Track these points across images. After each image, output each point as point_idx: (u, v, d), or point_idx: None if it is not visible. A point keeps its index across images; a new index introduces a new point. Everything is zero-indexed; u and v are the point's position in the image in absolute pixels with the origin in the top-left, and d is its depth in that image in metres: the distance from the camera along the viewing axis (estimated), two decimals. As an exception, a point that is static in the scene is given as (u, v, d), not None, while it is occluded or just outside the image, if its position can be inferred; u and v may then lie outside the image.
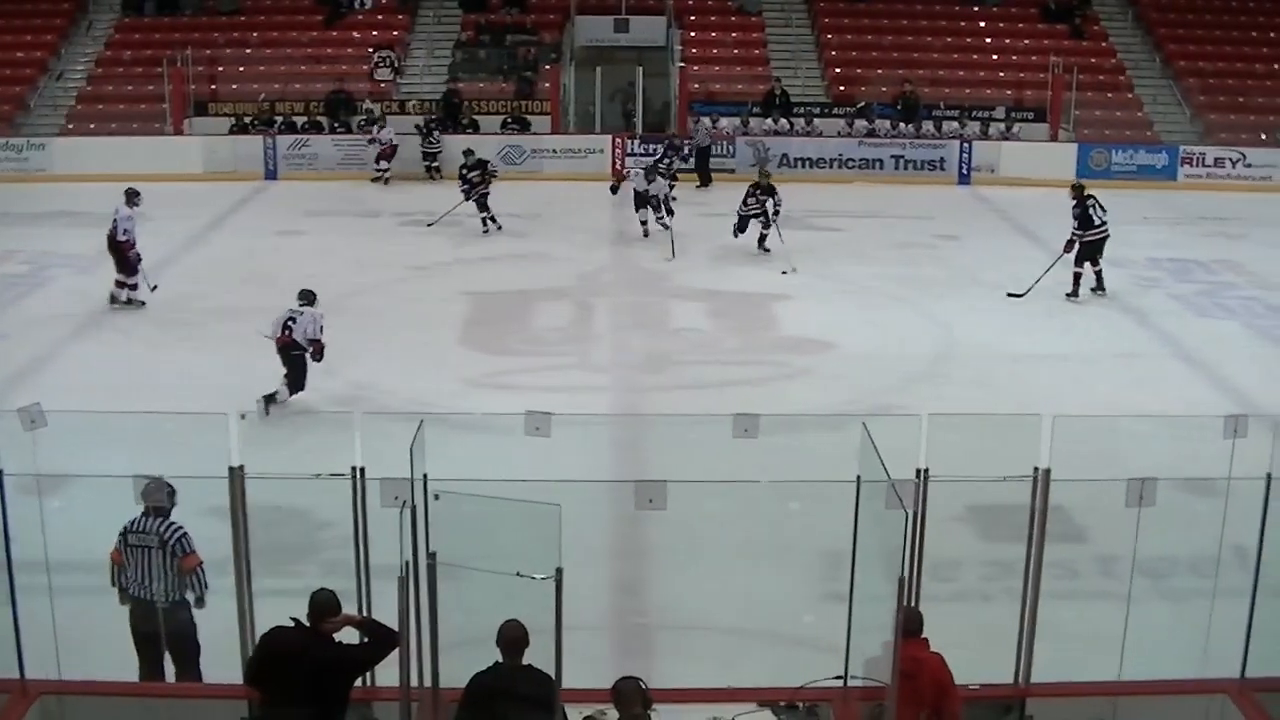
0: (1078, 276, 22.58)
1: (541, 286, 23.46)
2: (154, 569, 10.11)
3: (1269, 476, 9.12)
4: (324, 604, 8.48)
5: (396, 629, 8.07)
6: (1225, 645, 9.84)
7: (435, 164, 33.38)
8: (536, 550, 7.06)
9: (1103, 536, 12.70)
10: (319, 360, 16.80)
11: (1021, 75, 36.78)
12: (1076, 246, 22.36)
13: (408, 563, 7.82)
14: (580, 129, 35.89)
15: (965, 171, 34.04)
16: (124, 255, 21.43)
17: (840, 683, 9.09)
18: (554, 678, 7.55)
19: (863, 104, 35.45)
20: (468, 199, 27.21)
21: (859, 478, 8.67)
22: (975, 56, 37.95)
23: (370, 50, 37.05)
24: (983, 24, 38.84)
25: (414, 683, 8.16)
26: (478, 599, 7.92)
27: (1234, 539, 10.14)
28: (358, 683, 8.70)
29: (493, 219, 27.45)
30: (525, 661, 8.05)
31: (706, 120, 34.30)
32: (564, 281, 23.69)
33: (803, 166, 34.05)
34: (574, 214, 29.42)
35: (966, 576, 12.50)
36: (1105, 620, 10.34)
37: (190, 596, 10.24)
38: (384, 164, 32.99)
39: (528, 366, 19.21)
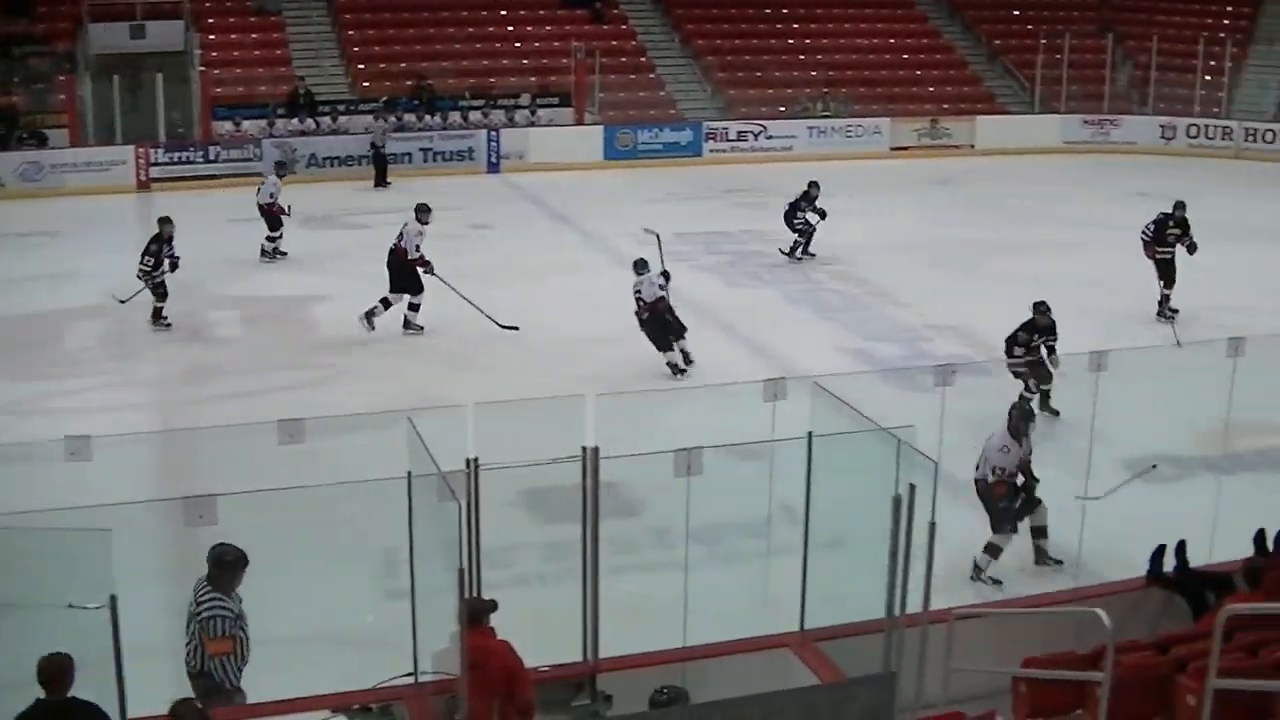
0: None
1: (73, 305, 22.33)
2: (187, 632, 9.29)
3: (810, 435, 9.37)
4: None
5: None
6: (783, 601, 10.08)
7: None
8: (89, 579, 6.66)
9: (656, 508, 12.79)
10: None
11: (545, 61, 37.20)
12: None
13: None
14: (101, 140, 34.39)
15: (495, 160, 34.22)
16: (412, 273, 20.53)
17: (411, 679, 8.92)
18: (117, 707, 7.13)
19: (386, 99, 35.16)
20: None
21: (409, 473, 8.49)
22: (498, 45, 38.16)
23: None
24: (504, 12, 39.07)
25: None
26: (30, 636, 7.42)
27: (782, 498, 10.41)
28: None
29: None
30: (74, 694, 7.56)
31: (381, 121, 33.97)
32: (96, 299, 22.60)
33: (331, 165, 33.55)
34: (101, 228, 28.15)
35: (526, 560, 12.46)
36: (666, 589, 10.44)
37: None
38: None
39: (64, 390, 18.26)
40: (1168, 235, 21.61)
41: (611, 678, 9.46)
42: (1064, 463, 13.52)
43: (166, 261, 20.88)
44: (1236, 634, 9.20)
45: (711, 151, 35.37)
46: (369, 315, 20.21)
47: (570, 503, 9.23)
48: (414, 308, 20.61)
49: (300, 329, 21.18)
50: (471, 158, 34.32)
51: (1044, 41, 39.19)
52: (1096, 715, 8.79)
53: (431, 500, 8.01)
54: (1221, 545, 11.87)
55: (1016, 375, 16.46)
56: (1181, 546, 11.59)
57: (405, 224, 20.89)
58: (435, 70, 36.08)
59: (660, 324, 18.49)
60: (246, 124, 33.97)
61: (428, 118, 34.72)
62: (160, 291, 21.03)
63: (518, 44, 38.34)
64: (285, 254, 25.05)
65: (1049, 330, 16.79)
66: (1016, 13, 42.32)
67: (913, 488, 8.72)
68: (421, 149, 34.15)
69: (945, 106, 38.23)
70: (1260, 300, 22.07)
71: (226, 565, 9.13)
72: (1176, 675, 8.92)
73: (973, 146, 37.40)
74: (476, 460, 8.72)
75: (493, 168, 33.95)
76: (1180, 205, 21.84)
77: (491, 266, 23.45)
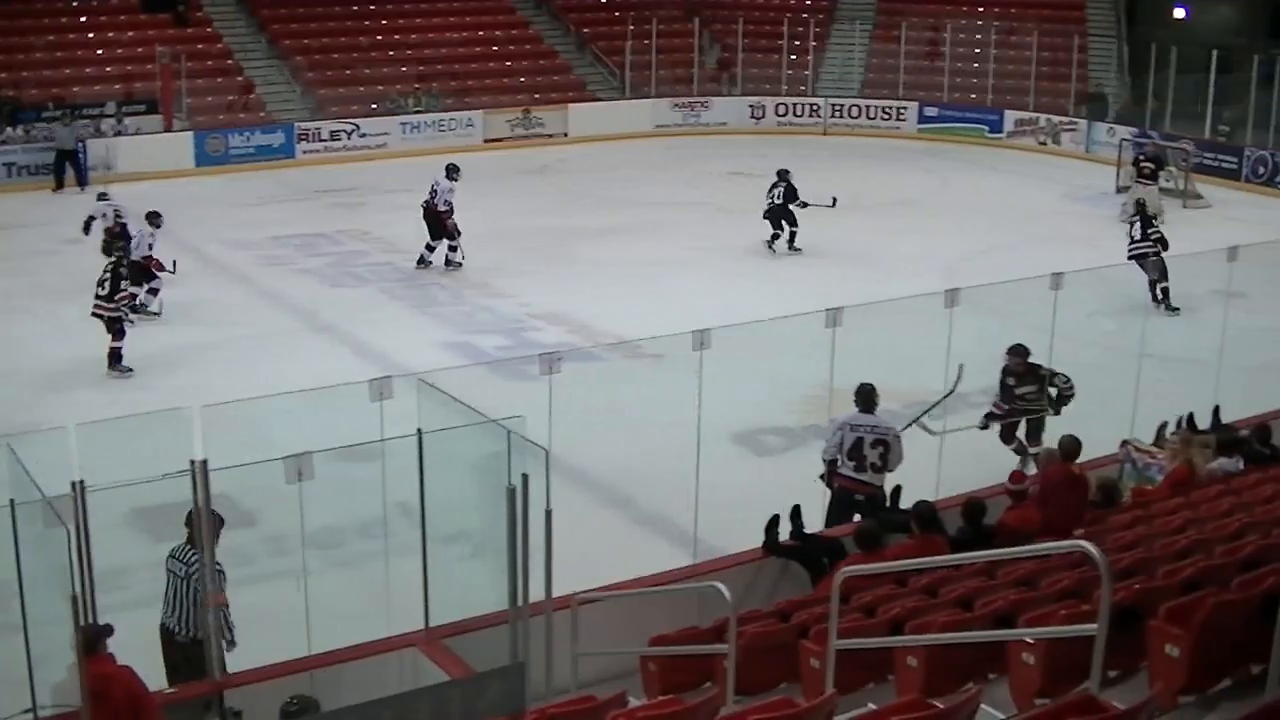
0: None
1: None
2: (176, 599, 9.96)
3: (419, 432, 9.43)
4: None
5: None
6: (407, 600, 10.12)
7: None
8: None
9: (271, 517, 12.69)
10: None
11: (129, 68, 36.00)
12: None
13: None
14: None
15: (83, 172, 32.93)
16: (443, 223, 23.84)
17: (30, 716, 8.63)
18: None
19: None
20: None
21: (12, 501, 8.22)
22: (80, 53, 36.74)
23: None
24: (83, 19, 37.61)
25: None
26: None
27: (397, 497, 10.44)
28: None
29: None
30: None
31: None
32: None
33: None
34: None
35: (142, 581, 12.13)
36: (288, 598, 10.38)
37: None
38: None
39: None
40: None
41: (239, 692, 9.36)
42: (669, 433, 13.83)
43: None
44: (853, 596, 9.64)
45: (305, 153, 34.91)
46: (420, 261, 24.21)
47: (182, 518, 9.11)
48: (453, 249, 24.16)
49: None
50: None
51: (632, 28, 40.00)
52: (725, 686, 9.10)
53: (39, 527, 7.79)
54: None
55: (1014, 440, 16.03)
56: (796, 512, 12.06)
57: (436, 181, 24.13)
58: (13, 82, 34.58)
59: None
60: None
61: (9, 130, 33.24)
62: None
63: (100, 51, 37.00)
64: None
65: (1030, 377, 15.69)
66: (604, 0, 43.05)
67: (525, 477, 8.88)
68: (4, 163, 32.64)
69: (537, 96, 38.61)
70: (850, 269, 23.22)
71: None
72: (799, 640, 9.27)
73: (566, 135, 37.89)
74: (82, 483, 8.50)
75: (82, 179, 32.67)
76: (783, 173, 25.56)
77: (86, 284, 22.64)
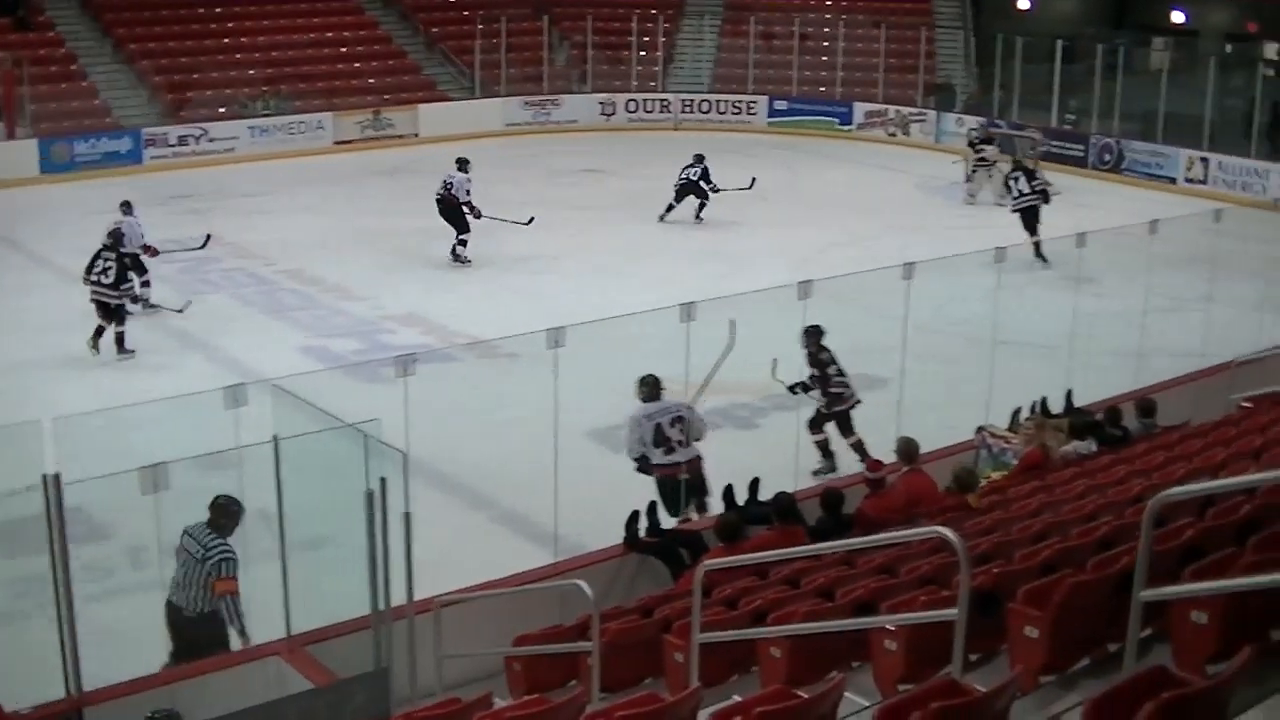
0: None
1: None
2: (187, 579, 10.36)
3: (275, 438, 9.36)
4: None
5: None
6: (269, 609, 10.06)
7: None
8: None
9: (128, 529, 12.52)
10: None
11: (-32, 74, 35.32)
12: None
13: None
14: None
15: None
16: (462, 215, 24.63)
17: None
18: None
19: None
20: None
21: None
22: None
23: None
24: (-83, 25, 36.87)
25: None
26: None
27: (256, 504, 10.36)
28: None
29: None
30: None
31: None
32: None
33: None
34: None
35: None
36: (146, 611, 10.27)
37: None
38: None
39: None
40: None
41: (100, 710, 9.24)
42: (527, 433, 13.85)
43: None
44: (715, 589, 9.72)
45: (153, 158, 34.35)
46: (456, 258, 24.87)
47: (38, 533, 8.97)
48: (462, 243, 24.79)
49: None
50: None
51: (481, 27, 39.85)
52: (590, 684, 9.14)
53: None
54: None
55: None
56: (653, 508, 12.16)
57: (451, 175, 24.95)
58: None
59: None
60: None
61: None
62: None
63: (-64, 57, 36.27)
64: None
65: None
66: (453, -1, 42.95)
67: (384, 481, 8.87)
68: None
69: (387, 97, 38.36)
70: (704, 264, 23.39)
71: (233, 514, 10.50)
72: (662, 635, 9.36)
73: (417, 135, 37.66)
74: (-73, 503, 8.37)
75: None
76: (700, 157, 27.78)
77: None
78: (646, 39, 41.30)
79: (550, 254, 25.13)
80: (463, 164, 25.17)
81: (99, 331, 19.38)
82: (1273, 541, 7.24)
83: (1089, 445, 13.28)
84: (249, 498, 10.39)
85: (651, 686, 9.19)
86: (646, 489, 12.79)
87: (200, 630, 10.32)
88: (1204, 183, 32.67)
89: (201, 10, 39.26)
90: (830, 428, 15.71)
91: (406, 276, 23.76)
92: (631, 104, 40.50)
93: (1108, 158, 34.63)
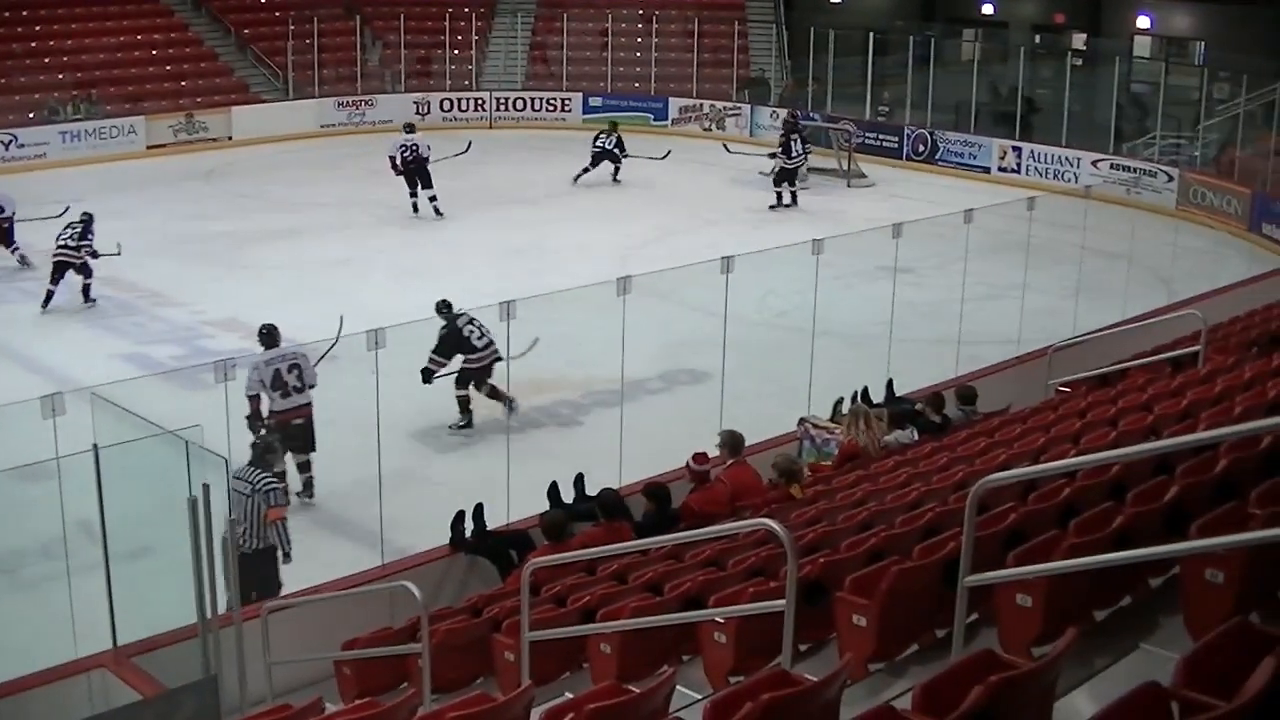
0: None
1: None
2: (244, 513, 11.53)
3: (95, 447, 9.25)
4: None
5: None
6: (93, 621, 9.93)
7: None
8: None
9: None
10: None
11: None
12: None
13: None
14: None
15: None
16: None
17: None
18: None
19: None
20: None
21: None
22: None
23: None
24: None
25: None
26: None
27: (77, 515, 10.22)
28: None
29: None
30: None
31: None
32: None
33: None
34: None
35: None
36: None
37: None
38: None
39: None
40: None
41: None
42: (350, 435, 13.80)
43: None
44: (544, 587, 9.78)
45: (-40, 164, 33.58)
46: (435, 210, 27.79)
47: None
48: (434, 198, 27.86)
49: None
50: None
51: (293, 28, 39.53)
52: (421, 685, 9.16)
53: None
54: (517, 504, 12.57)
55: None
56: (479, 511, 12.18)
57: (410, 140, 27.83)
58: None
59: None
60: None
61: None
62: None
63: None
64: None
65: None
66: (263, 0, 42.35)
67: (206, 487, 8.81)
68: None
69: (200, 100, 37.74)
70: (524, 261, 23.44)
71: (274, 448, 12.61)
72: (492, 635, 9.42)
73: (230, 138, 37.15)
74: None
75: None
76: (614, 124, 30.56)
77: None
78: (459, 37, 41.14)
79: (369, 255, 25.00)
80: (410, 127, 28.51)
81: None
82: (1093, 524, 7.46)
83: (910, 434, 13.50)
84: (70, 508, 10.25)
85: (483, 686, 9.24)
86: (473, 489, 12.80)
87: (255, 569, 11.34)
88: (1017, 171, 33.51)
89: (8, 14, 38.23)
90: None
91: (226, 281, 23.46)
92: (446, 103, 40.32)
93: (922, 148, 35.28)
